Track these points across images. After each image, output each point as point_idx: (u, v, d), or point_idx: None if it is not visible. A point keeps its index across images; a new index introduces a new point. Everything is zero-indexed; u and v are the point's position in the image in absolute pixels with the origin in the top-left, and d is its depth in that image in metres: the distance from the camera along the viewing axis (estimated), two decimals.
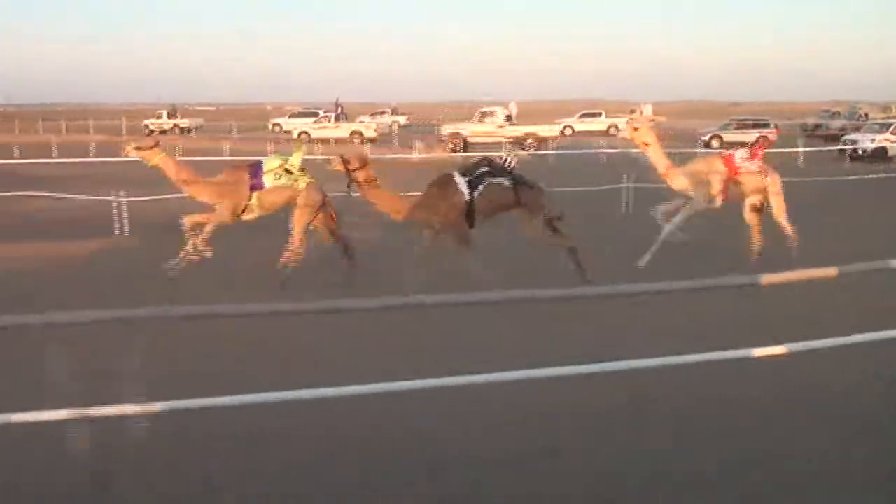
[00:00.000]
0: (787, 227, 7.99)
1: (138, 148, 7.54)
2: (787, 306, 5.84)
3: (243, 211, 7.63)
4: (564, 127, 39.72)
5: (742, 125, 34.58)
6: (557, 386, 4.07)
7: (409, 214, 7.58)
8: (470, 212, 7.46)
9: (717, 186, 7.86)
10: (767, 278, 2.95)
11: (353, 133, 37.70)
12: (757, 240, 8.08)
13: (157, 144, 7.65)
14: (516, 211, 7.52)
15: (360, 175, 7.46)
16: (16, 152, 27.48)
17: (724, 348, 3.59)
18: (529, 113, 44.28)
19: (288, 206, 7.81)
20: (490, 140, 31.46)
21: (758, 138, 9.28)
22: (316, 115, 41.75)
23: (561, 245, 7.54)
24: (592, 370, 3.46)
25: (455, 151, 28.74)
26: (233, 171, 7.68)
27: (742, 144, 21.30)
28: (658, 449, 3.94)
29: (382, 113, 46.01)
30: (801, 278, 3.12)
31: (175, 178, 7.56)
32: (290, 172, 7.62)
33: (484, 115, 34.56)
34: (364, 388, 3.22)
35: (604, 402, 4.30)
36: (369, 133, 37.73)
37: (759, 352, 3.31)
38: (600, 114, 44.32)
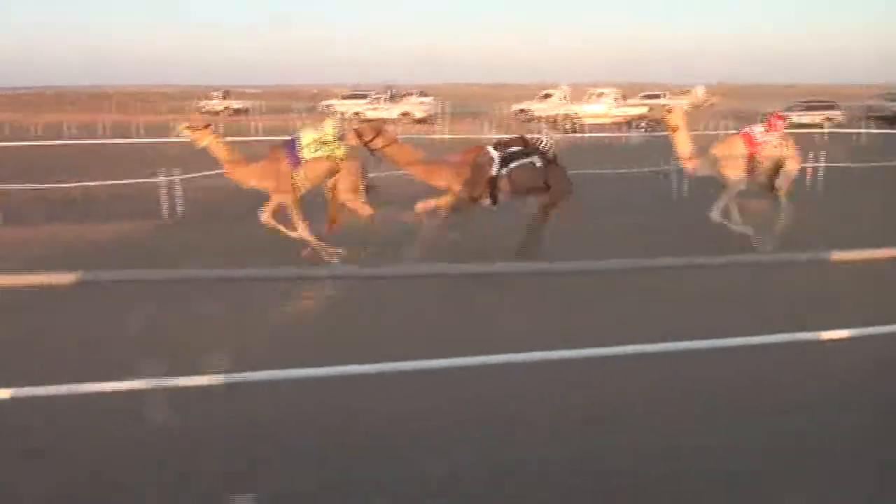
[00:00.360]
0: (784, 194, 8.11)
1: (190, 128, 7.55)
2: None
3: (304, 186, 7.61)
4: (520, 110, 39.74)
5: (810, 107, 34.00)
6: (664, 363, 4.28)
7: (431, 176, 7.49)
8: (493, 188, 7.36)
9: (742, 166, 7.93)
10: (837, 255, 2.96)
11: (402, 113, 39.04)
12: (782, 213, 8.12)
13: (208, 126, 7.61)
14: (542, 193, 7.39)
15: (378, 142, 7.42)
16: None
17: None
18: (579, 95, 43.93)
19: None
20: (606, 121, 32.45)
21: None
22: (365, 96, 43.66)
23: (538, 223, 7.40)
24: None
25: (573, 132, 29.20)
26: (271, 155, 7.63)
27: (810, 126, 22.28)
28: None
29: (409, 94, 45.48)
30: (871, 258, 3.16)
31: (223, 160, 7.54)
32: (327, 143, 7.59)
33: (600, 95, 35.52)
34: None
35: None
36: (418, 114, 39.18)
37: None
38: (659, 95, 42.90)
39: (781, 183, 8.07)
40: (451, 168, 7.44)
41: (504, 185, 7.32)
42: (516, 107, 40.54)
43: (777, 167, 8.14)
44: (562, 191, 7.39)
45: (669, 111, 8.05)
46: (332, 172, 7.62)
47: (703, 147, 8.09)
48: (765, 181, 8.15)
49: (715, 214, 7.86)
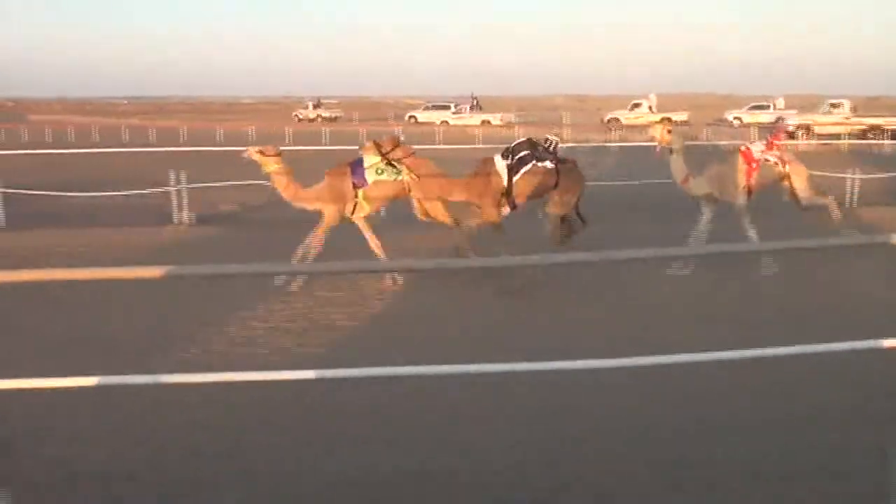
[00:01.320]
0: (824, 201, 8.13)
1: (260, 152, 7.45)
2: None
3: (353, 210, 7.47)
4: (735, 118, 42.55)
5: None
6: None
7: (446, 192, 7.54)
8: (509, 196, 7.51)
9: (741, 181, 7.93)
10: None
11: (483, 122, 43.67)
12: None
13: (279, 154, 7.50)
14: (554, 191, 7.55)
15: (398, 153, 7.41)
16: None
17: None
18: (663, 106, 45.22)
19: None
20: (837, 130, 33.14)
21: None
22: (447, 107, 48.38)
23: (563, 237, 7.60)
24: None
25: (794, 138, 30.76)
26: (335, 173, 7.49)
27: None
28: None
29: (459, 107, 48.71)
30: None
31: (283, 191, 7.48)
32: (393, 166, 7.45)
33: (833, 106, 36.75)
34: None
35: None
36: (496, 122, 44.11)
37: None
38: (769, 106, 44.29)
39: (803, 197, 8.09)
40: (464, 182, 7.59)
41: (519, 190, 7.49)
42: (609, 115, 44.35)
43: (774, 183, 8.25)
44: (575, 187, 7.63)
45: (669, 131, 7.89)
46: (396, 196, 7.59)
47: (699, 166, 8.11)
48: (791, 198, 8.25)
49: (751, 234, 7.83)
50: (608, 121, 42.83)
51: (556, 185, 7.56)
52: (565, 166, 7.65)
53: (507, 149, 7.67)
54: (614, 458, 3.77)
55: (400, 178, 7.47)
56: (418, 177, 7.44)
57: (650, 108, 44.55)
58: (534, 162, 7.51)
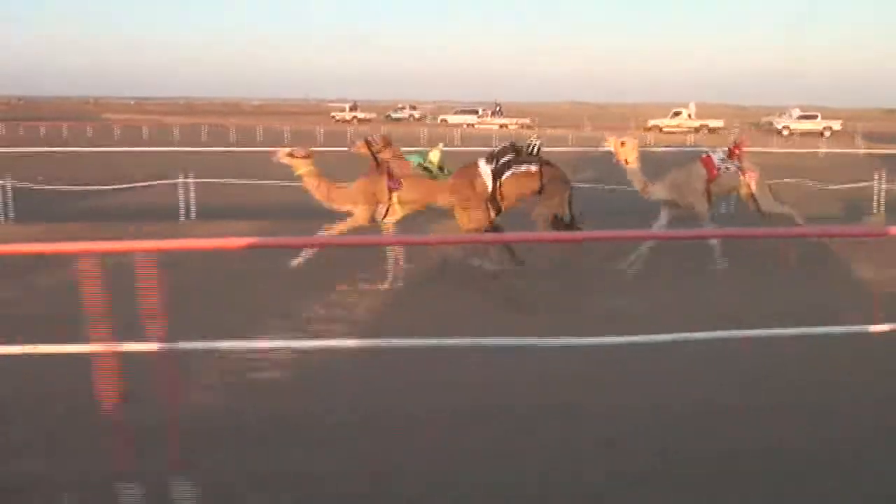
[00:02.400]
0: (787, 212, 8.25)
1: (290, 155, 7.53)
2: None
3: (386, 213, 7.52)
4: (783, 127, 45.08)
5: None
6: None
7: (431, 199, 7.57)
8: (493, 200, 7.54)
9: (701, 188, 8.02)
10: None
11: (501, 126, 47.96)
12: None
13: (309, 156, 7.58)
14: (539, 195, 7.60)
15: (386, 154, 7.53)
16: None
17: None
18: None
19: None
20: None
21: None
22: (476, 112, 53.54)
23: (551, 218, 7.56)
24: None
25: None
26: (369, 176, 7.55)
27: None
28: None
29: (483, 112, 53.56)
30: None
31: (315, 192, 7.54)
32: (429, 171, 7.53)
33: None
34: None
35: None
36: (513, 126, 48.39)
37: None
38: (816, 116, 46.90)
39: (764, 205, 8.21)
40: (448, 186, 7.54)
41: (504, 194, 7.54)
42: (651, 122, 48.10)
43: (731, 191, 8.48)
44: (559, 189, 7.64)
45: (623, 144, 8.00)
46: (432, 200, 7.63)
47: (658, 173, 8.27)
48: (752, 207, 8.36)
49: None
50: (650, 127, 46.04)
51: (541, 190, 7.61)
52: (549, 169, 7.66)
53: (491, 153, 7.73)
54: None
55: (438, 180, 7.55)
56: (401, 179, 7.45)
57: (689, 115, 48.31)
58: (517, 166, 7.55)
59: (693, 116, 48.11)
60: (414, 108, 63.10)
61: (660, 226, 8.11)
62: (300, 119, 57.95)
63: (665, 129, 45.71)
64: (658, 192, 8.02)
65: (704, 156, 8.29)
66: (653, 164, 8.75)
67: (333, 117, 58.17)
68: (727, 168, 8.12)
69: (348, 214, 7.45)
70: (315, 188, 7.51)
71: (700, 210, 7.96)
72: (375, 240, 7.41)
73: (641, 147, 8.42)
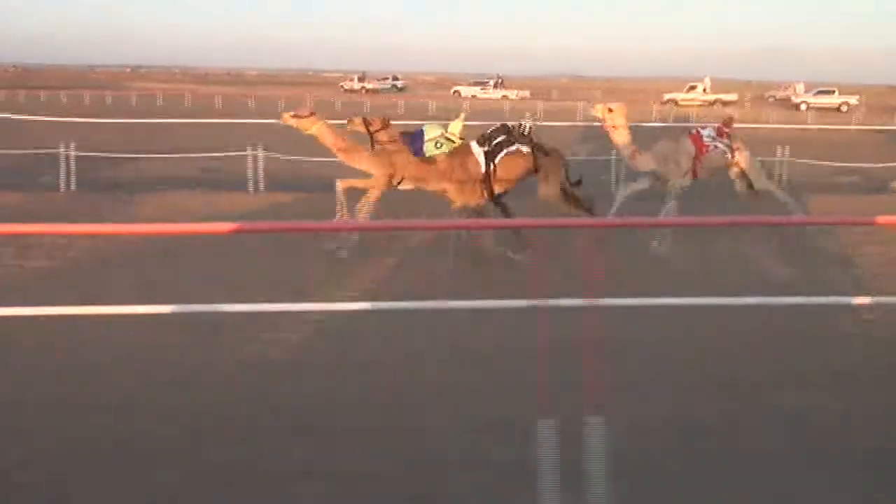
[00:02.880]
0: (775, 191, 8.41)
1: (295, 116, 7.56)
2: None
3: (401, 181, 7.54)
4: (801, 102, 45.85)
5: None
6: None
7: (425, 181, 7.54)
8: (487, 182, 7.49)
9: (685, 165, 7.99)
10: None
11: (503, 97, 51.47)
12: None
13: (312, 114, 7.62)
14: (535, 177, 7.57)
15: (383, 136, 7.50)
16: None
17: None
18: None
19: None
20: None
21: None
22: (485, 84, 57.89)
23: (576, 210, 7.60)
24: None
25: None
26: (392, 140, 7.54)
27: None
28: None
29: (486, 84, 57.78)
30: None
31: (333, 146, 7.54)
32: (451, 140, 7.53)
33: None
34: None
35: None
36: (513, 97, 51.87)
37: None
38: (833, 91, 47.85)
39: (758, 184, 8.29)
40: (440, 169, 7.50)
41: (498, 176, 7.48)
42: (667, 96, 49.21)
43: (721, 170, 8.34)
44: (556, 169, 7.58)
45: (610, 111, 7.99)
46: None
47: (647, 143, 8.24)
48: (742, 190, 8.43)
49: (664, 213, 7.86)
50: (666, 101, 47.24)
51: (536, 170, 7.57)
52: (542, 150, 7.62)
53: (483, 135, 7.66)
54: None
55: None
56: (393, 163, 7.45)
57: (704, 89, 50.53)
58: (509, 147, 7.50)
59: (708, 91, 50.32)
60: (396, 78, 65.18)
61: (635, 190, 8.18)
62: (310, 89, 58.52)
63: (681, 103, 46.64)
64: (644, 162, 7.99)
65: (693, 132, 8.23)
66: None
67: (342, 87, 60.47)
68: (716, 146, 8.08)
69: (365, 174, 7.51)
70: (332, 142, 7.52)
71: (676, 186, 7.92)
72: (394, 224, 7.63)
73: (662, 121, 8.73)
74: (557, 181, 7.56)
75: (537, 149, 7.55)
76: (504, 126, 7.76)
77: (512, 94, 53.34)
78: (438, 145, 7.42)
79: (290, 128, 7.59)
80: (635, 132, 8.25)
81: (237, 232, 3.19)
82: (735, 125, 8.53)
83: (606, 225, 6.76)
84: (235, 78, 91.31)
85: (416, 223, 7.50)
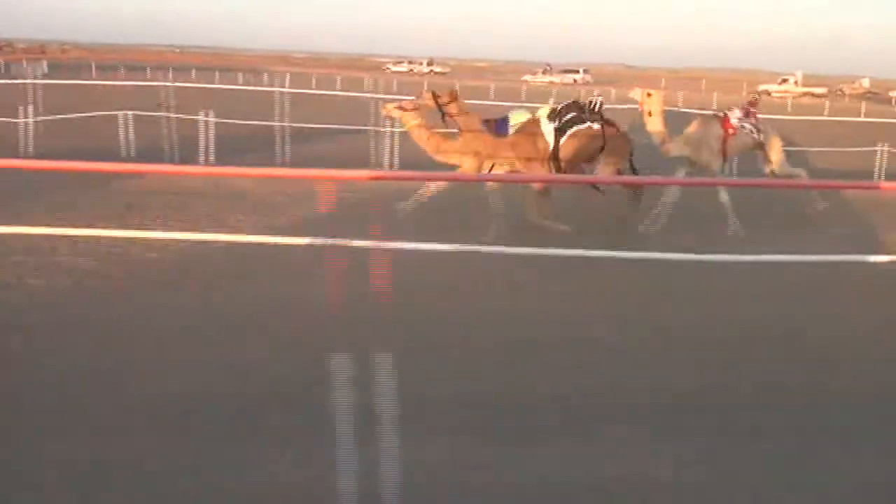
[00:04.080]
0: (795, 173, 8.63)
1: (400, 108, 7.72)
2: None
3: (491, 169, 7.62)
4: (804, 94, 49.36)
5: None
6: None
7: (492, 152, 7.54)
8: (556, 159, 7.53)
9: (716, 147, 8.19)
10: None
11: (550, 82, 53.36)
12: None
13: (417, 108, 7.69)
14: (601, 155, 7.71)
15: (453, 108, 7.60)
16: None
17: None
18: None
19: None
20: None
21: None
22: (536, 72, 61.58)
23: (628, 192, 7.79)
24: None
25: None
26: (462, 112, 7.69)
27: None
28: None
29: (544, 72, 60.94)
30: None
31: (424, 145, 7.67)
32: (525, 122, 7.61)
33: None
34: None
35: None
36: (562, 81, 54.14)
37: None
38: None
39: (778, 167, 8.53)
40: (510, 142, 7.57)
41: (566, 153, 7.53)
42: (761, 87, 50.76)
43: (750, 150, 8.67)
44: (623, 150, 7.79)
45: (649, 95, 8.18)
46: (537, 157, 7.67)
47: (678, 129, 8.47)
48: (766, 167, 8.66)
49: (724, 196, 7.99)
50: (759, 92, 48.20)
51: (602, 149, 7.66)
52: (611, 129, 7.75)
53: (553, 111, 7.72)
54: None
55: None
56: (463, 133, 7.62)
57: (796, 82, 53.89)
58: (579, 124, 7.57)
59: (799, 83, 53.40)
60: (431, 62, 67.87)
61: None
62: (365, 73, 56.60)
63: (774, 94, 48.79)
64: (675, 148, 8.17)
65: (723, 114, 8.47)
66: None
67: (411, 70, 63.42)
68: (743, 127, 8.29)
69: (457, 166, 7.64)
70: (424, 141, 7.63)
71: (714, 168, 8.18)
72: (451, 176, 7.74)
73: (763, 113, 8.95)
74: (619, 162, 7.72)
75: (607, 125, 7.68)
76: (575, 103, 7.84)
77: (563, 79, 55.47)
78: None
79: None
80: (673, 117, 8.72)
81: None
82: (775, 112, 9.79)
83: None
84: (270, 60, 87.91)
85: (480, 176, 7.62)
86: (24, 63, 35.82)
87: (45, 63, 39.42)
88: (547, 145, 7.46)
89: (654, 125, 8.05)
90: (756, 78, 65.49)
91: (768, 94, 47.99)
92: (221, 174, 8.82)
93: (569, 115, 7.52)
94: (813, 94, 49.42)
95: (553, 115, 7.55)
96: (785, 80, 53.99)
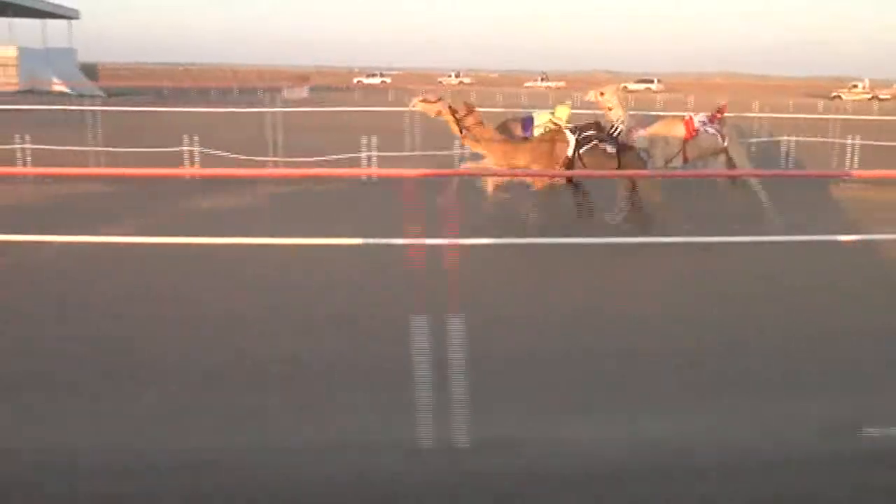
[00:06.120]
0: (754, 182, 8.83)
1: (424, 101, 8.20)
2: None
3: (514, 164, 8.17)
4: (872, 97, 51.70)
5: None
6: None
7: (511, 159, 7.95)
8: (571, 167, 7.97)
9: (674, 147, 8.56)
10: None
11: (546, 88, 56.84)
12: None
13: (440, 99, 8.27)
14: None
15: (469, 120, 7.98)
16: None
17: None
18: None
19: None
20: None
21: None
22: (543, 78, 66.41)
23: (634, 198, 8.08)
24: None
25: None
26: (507, 126, 8.23)
27: None
28: None
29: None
30: None
31: (456, 131, 8.15)
32: (557, 125, 8.08)
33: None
34: None
35: None
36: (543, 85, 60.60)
37: None
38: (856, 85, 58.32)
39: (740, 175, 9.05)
40: (530, 147, 8.00)
41: (580, 164, 7.96)
42: (834, 93, 53.14)
43: (712, 154, 8.84)
44: (634, 167, 8.10)
45: (602, 94, 8.57)
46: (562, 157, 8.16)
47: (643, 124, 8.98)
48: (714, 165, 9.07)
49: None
50: (833, 97, 50.59)
51: (617, 168, 8.04)
52: (627, 153, 8.11)
53: (576, 126, 8.18)
54: None
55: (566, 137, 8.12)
56: (480, 142, 8.03)
57: (864, 87, 58.19)
58: (599, 143, 8.01)
59: (867, 88, 57.62)
60: (458, 74, 71.66)
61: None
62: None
63: (845, 98, 50.47)
64: (639, 140, 8.53)
65: (687, 117, 8.84)
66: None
67: (440, 82, 65.87)
68: (706, 130, 8.61)
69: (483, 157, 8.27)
70: (456, 128, 8.03)
71: (656, 159, 8.49)
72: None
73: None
74: (630, 185, 8.01)
75: (622, 150, 8.03)
76: (596, 123, 8.28)
77: (552, 84, 60.40)
78: (546, 130, 7.95)
79: None
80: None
81: None
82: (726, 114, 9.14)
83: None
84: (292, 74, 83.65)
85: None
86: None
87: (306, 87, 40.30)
88: (565, 153, 7.90)
89: (615, 116, 8.41)
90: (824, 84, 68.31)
91: (840, 97, 49.73)
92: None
93: (588, 133, 7.98)
94: (878, 98, 51.56)
95: (575, 130, 8.02)
96: (854, 86, 58.23)
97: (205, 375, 4.16)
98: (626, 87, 56.50)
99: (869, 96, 53.03)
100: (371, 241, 4.98)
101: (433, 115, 8.17)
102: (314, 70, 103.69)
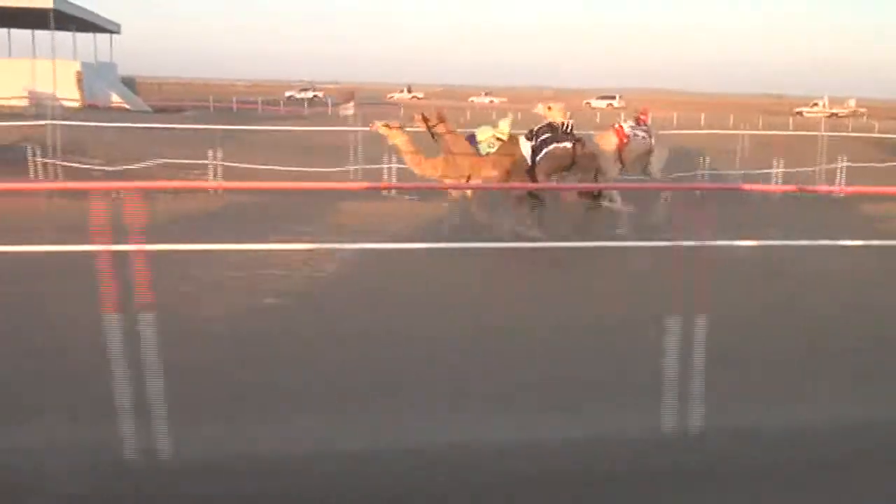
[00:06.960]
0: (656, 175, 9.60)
1: (386, 125, 8.43)
2: None
3: (468, 181, 8.44)
4: (831, 115, 52.55)
5: None
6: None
7: (476, 170, 8.31)
8: (532, 174, 8.45)
9: (612, 156, 9.04)
10: None
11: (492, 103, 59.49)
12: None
13: (401, 127, 8.52)
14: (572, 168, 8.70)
15: (441, 128, 8.38)
16: None
17: None
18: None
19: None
20: None
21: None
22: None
23: (591, 202, 8.64)
24: None
25: None
26: (450, 132, 8.49)
27: None
28: None
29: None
30: None
31: (408, 161, 8.46)
32: (503, 141, 8.34)
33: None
34: None
35: None
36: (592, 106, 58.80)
37: None
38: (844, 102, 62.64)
39: (654, 168, 9.48)
40: (492, 160, 8.35)
41: (541, 168, 8.41)
42: (796, 109, 58.67)
43: (646, 156, 9.42)
44: (591, 165, 8.68)
45: (550, 108, 8.85)
46: (509, 169, 8.47)
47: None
48: (640, 168, 9.57)
49: (606, 202, 8.90)
50: (795, 113, 55.46)
51: (572, 164, 8.57)
52: (581, 146, 8.64)
53: (531, 132, 8.62)
54: None
55: (513, 152, 8.41)
56: (452, 153, 8.34)
57: (823, 105, 60.61)
58: (555, 143, 8.43)
59: (826, 106, 59.88)
60: (316, 89, 64.59)
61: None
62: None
63: (805, 114, 55.83)
64: None
65: (617, 125, 9.41)
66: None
67: (391, 97, 66.02)
68: (636, 135, 9.21)
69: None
70: (409, 157, 8.41)
71: (611, 175, 9.11)
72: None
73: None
74: (586, 176, 8.65)
75: (578, 144, 8.58)
76: (549, 125, 8.63)
77: (599, 104, 59.15)
78: (490, 146, 8.31)
79: None
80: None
81: None
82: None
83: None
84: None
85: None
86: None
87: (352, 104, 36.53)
88: (525, 162, 8.38)
89: (403, 145, 8.84)
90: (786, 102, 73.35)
91: (801, 114, 55.08)
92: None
93: (544, 136, 8.43)
94: (837, 115, 54.00)
95: (530, 135, 8.51)
96: (815, 104, 62.28)
97: None
98: (589, 104, 59.18)
99: (828, 113, 54.41)
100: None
101: (390, 142, 8.58)
102: (251, 84, 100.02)
